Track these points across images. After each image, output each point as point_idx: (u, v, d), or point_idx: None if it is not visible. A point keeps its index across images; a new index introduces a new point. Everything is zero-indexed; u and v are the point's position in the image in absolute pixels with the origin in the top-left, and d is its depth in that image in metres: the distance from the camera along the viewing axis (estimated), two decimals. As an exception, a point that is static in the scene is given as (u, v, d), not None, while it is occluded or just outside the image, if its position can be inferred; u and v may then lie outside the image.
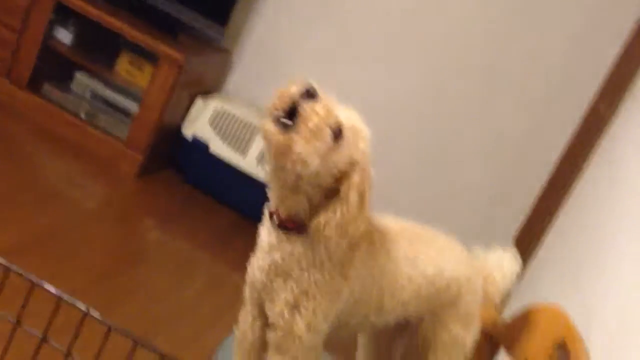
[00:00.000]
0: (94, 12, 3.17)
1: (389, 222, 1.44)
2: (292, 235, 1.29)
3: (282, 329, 1.31)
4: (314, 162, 1.19)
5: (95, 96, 3.33)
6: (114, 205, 3.09)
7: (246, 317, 1.41)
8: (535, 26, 3.23)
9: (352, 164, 1.24)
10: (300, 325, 1.29)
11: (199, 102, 3.39)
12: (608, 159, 2.27)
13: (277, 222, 1.30)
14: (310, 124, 1.17)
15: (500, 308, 1.73)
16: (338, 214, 1.22)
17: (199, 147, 3.33)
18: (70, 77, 3.35)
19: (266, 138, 1.20)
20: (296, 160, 1.18)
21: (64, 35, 3.31)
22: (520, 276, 2.44)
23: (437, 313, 1.47)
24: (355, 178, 1.23)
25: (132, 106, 3.29)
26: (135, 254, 2.77)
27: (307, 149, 1.17)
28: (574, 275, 1.90)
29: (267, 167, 1.29)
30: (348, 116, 1.27)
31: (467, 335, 1.50)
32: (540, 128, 3.30)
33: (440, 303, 1.46)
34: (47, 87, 3.30)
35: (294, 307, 1.30)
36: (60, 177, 3.12)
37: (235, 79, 3.62)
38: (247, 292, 1.40)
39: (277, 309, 1.31)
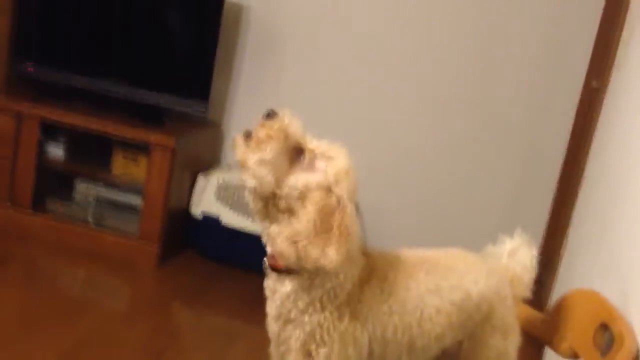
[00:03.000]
0: (79, 122, 3.21)
1: (404, 254, 1.40)
2: (283, 275, 1.30)
3: None
4: (263, 174, 1.23)
5: (99, 200, 3.36)
6: (140, 301, 3.08)
7: (275, 375, 1.38)
8: (516, 15, 3.23)
9: (318, 188, 1.24)
10: None
11: (200, 180, 3.40)
12: (611, 130, 2.23)
13: (267, 263, 1.32)
14: (258, 135, 1.25)
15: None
16: (289, 227, 1.22)
17: (211, 222, 3.33)
18: (71, 188, 3.38)
19: (234, 151, 1.28)
20: (250, 172, 1.24)
21: (56, 151, 3.36)
22: (555, 267, 2.37)
23: (473, 333, 1.43)
24: (315, 196, 1.22)
25: (136, 200, 3.31)
26: (171, 342, 2.74)
27: (254, 158, 1.23)
28: (606, 257, 1.84)
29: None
30: (327, 148, 1.27)
31: (509, 344, 1.46)
32: (542, 117, 3.27)
33: (473, 324, 1.42)
34: (50, 204, 3.33)
35: (306, 354, 1.27)
36: (82, 287, 3.12)
37: (230, 148, 3.63)
38: (271, 349, 1.39)
39: (291, 357, 1.28)
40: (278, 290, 1.32)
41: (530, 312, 1.69)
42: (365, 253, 1.35)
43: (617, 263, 1.63)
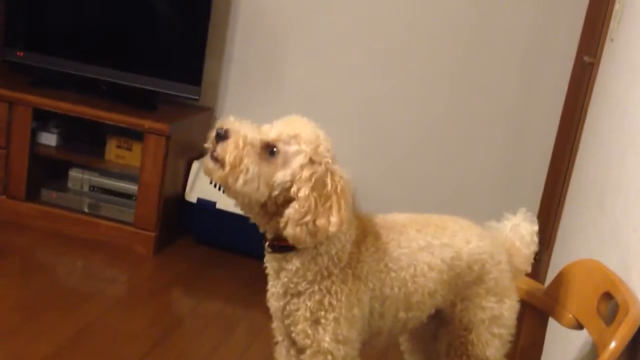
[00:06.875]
0: (70, 109, 3.19)
1: (394, 216, 1.43)
2: (287, 253, 1.32)
3: (309, 347, 1.30)
4: (253, 189, 1.25)
5: (94, 188, 3.35)
6: (139, 289, 3.07)
7: (280, 351, 1.40)
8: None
9: (302, 167, 1.27)
10: (325, 337, 1.28)
11: (195, 165, 3.39)
12: (606, 102, 2.23)
13: (267, 245, 1.35)
14: (230, 160, 1.25)
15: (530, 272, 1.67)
16: (292, 211, 1.25)
17: (207, 207, 3.32)
18: (64, 176, 3.37)
19: (212, 177, 1.30)
20: (240, 194, 1.26)
21: (49, 139, 3.34)
22: (551, 242, 2.38)
23: (466, 295, 1.44)
24: (305, 174, 1.26)
25: (131, 187, 3.29)
26: (171, 329, 2.74)
27: (239, 182, 1.25)
28: (606, 227, 1.85)
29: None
30: (284, 127, 1.28)
31: (504, 308, 1.47)
32: (535, 93, 3.27)
33: (465, 284, 1.44)
34: (45, 193, 3.32)
35: (314, 322, 1.29)
36: (81, 276, 3.12)
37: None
38: (274, 325, 1.40)
39: (299, 328, 1.30)
40: (285, 268, 1.34)
41: (533, 284, 1.70)
42: (355, 215, 1.39)
43: (617, 232, 1.63)
